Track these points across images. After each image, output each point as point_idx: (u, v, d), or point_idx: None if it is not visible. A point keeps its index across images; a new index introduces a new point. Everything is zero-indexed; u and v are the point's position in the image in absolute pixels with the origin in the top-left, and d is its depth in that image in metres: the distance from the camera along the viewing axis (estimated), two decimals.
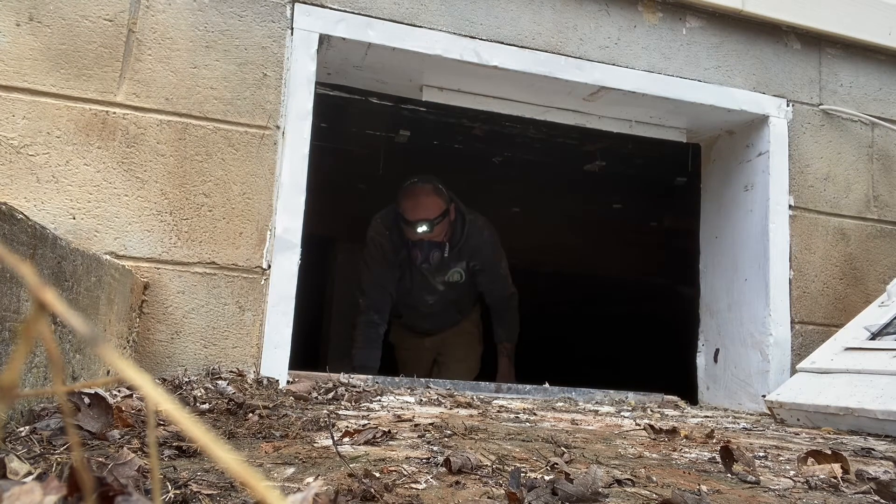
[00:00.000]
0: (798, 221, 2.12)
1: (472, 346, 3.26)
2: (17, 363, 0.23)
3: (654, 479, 0.82)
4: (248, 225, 1.64)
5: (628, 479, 0.79)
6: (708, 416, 1.71)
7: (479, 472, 0.77)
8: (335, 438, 0.92)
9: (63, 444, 0.74)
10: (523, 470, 0.79)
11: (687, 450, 1.07)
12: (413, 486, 0.70)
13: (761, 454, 1.08)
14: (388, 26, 1.79)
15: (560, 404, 1.72)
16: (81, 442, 0.79)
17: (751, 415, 1.84)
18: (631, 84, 1.99)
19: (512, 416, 1.39)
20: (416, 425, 1.11)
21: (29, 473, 0.57)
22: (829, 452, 0.93)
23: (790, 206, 2.11)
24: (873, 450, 1.19)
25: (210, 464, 0.74)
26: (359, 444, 0.92)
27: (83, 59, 1.58)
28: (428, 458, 0.84)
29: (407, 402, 1.48)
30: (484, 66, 1.87)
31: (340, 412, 1.23)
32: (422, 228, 2.68)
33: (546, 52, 1.93)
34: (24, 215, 0.84)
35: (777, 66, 2.16)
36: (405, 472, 0.75)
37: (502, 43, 1.89)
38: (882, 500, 0.78)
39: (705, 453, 1.05)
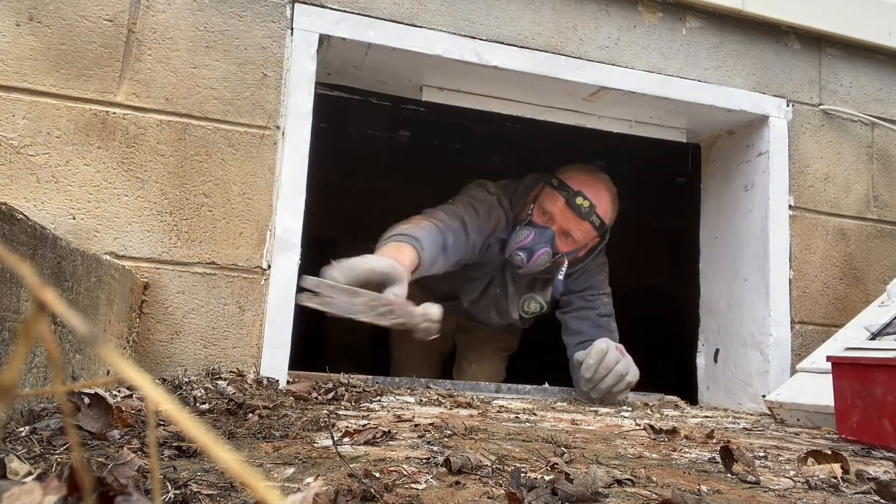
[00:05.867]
0: (798, 221, 2.12)
1: (499, 350, 2.63)
2: (17, 363, 0.23)
3: (654, 479, 0.82)
4: (248, 225, 1.64)
5: (628, 479, 0.79)
6: (708, 416, 1.71)
7: (479, 472, 0.77)
8: (335, 438, 0.92)
9: (63, 444, 0.74)
10: (523, 470, 0.79)
11: (687, 450, 1.07)
12: (413, 486, 0.70)
13: (761, 454, 1.08)
14: (388, 26, 1.79)
15: (560, 404, 1.71)
16: (81, 442, 0.79)
17: (751, 415, 1.84)
18: (631, 84, 1.99)
19: (512, 416, 1.39)
20: (416, 425, 1.11)
21: (29, 473, 0.57)
22: (829, 452, 0.93)
23: (790, 206, 2.11)
24: (873, 450, 1.19)
25: (210, 464, 0.74)
26: (359, 445, 0.92)
27: (83, 60, 1.58)
28: (428, 459, 0.84)
29: (407, 402, 1.48)
30: (484, 66, 1.87)
31: (340, 412, 1.23)
32: (589, 215, 1.98)
33: (546, 52, 1.93)
34: (24, 215, 0.84)
35: (777, 66, 2.17)
36: (405, 473, 0.75)
37: (502, 43, 1.89)
38: (882, 500, 0.78)
39: (705, 453, 1.05)
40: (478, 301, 2.24)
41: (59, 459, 0.63)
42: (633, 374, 1.79)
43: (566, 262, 2.05)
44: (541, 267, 2.02)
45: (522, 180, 2.21)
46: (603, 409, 1.66)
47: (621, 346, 1.85)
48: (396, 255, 1.58)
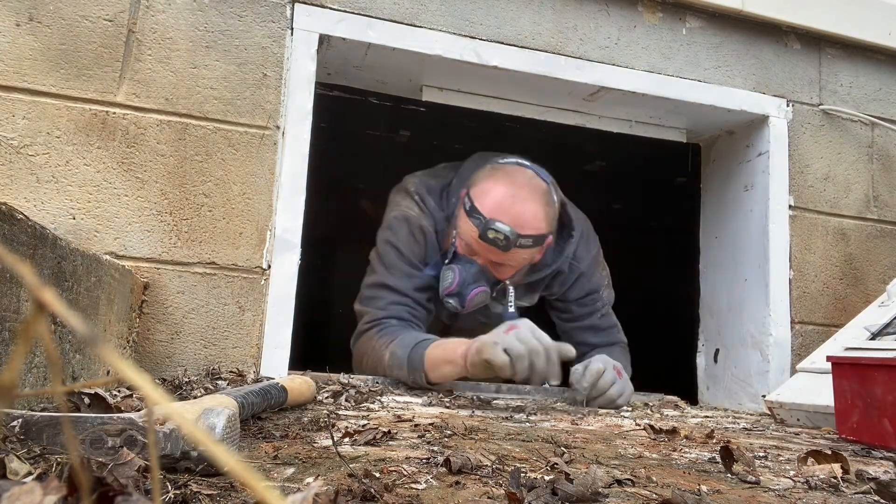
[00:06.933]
0: (798, 221, 2.12)
1: None
2: (17, 363, 0.23)
3: (654, 479, 0.82)
4: (248, 225, 1.64)
5: (628, 479, 0.79)
6: (708, 416, 1.71)
7: (479, 472, 0.77)
8: (335, 439, 0.92)
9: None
10: (523, 470, 0.79)
11: (687, 450, 1.07)
12: (413, 486, 0.70)
13: (761, 454, 1.08)
14: (388, 26, 1.79)
15: (560, 404, 1.71)
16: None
17: (751, 415, 1.84)
18: (631, 84, 1.99)
19: (512, 415, 1.39)
20: (416, 425, 1.11)
21: (29, 473, 0.57)
22: (829, 452, 0.93)
23: (790, 206, 2.11)
24: (873, 450, 1.19)
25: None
26: (359, 445, 0.92)
27: (83, 59, 1.58)
28: (428, 459, 0.84)
29: (407, 402, 1.48)
30: (484, 66, 1.87)
31: (340, 412, 1.23)
32: (512, 244, 1.65)
33: (546, 52, 1.93)
34: (24, 215, 0.84)
35: (777, 66, 2.17)
36: (405, 473, 0.75)
37: (502, 43, 1.89)
38: (882, 500, 0.77)
39: (705, 453, 1.05)
40: (455, 313, 1.98)
41: (59, 459, 0.63)
42: (626, 396, 1.70)
43: (511, 289, 1.77)
44: (483, 304, 1.78)
45: (462, 166, 1.91)
46: (603, 410, 1.66)
47: (619, 366, 1.73)
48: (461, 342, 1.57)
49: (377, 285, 1.79)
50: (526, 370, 1.40)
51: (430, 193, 1.86)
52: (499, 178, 1.73)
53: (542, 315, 2.12)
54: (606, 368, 1.67)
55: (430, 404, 1.47)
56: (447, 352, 1.58)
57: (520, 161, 1.83)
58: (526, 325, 1.48)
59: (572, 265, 1.95)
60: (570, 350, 1.46)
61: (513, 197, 1.68)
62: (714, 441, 1.16)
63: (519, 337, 1.44)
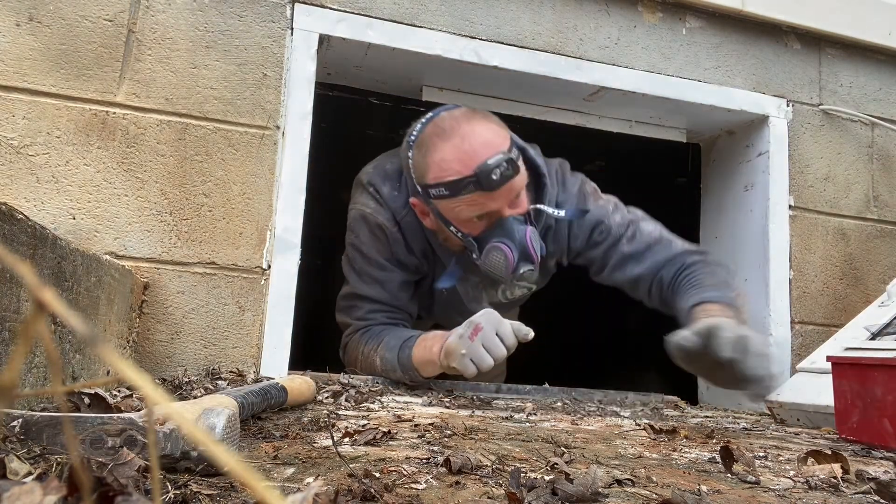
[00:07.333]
0: (798, 221, 2.12)
1: None
2: (17, 363, 0.23)
3: (654, 479, 0.82)
4: (248, 225, 1.64)
5: (628, 479, 0.79)
6: (708, 416, 1.71)
7: (479, 472, 0.77)
8: (335, 439, 0.92)
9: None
10: (523, 470, 0.79)
11: (687, 450, 1.07)
12: (413, 486, 0.70)
13: (761, 454, 1.08)
14: (388, 26, 1.79)
15: (560, 404, 1.71)
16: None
17: (751, 415, 1.84)
18: (631, 84, 1.99)
19: (512, 415, 1.39)
20: (416, 425, 1.11)
21: (29, 473, 0.57)
22: (829, 452, 0.93)
23: (790, 206, 2.11)
24: (873, 450, 1.19)
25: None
26: (359, 445, 0.92)
27: (83, 59, 1.58)
28: (428, 459, 0.84)
29: (407, 402, 1.48)
30: (484, 66, 1.87)
31: (340, 412, 1.23)
32: (498, 170, 1.46)
33: (546, 52, 1.93)
34: (24, 215, 0.84)
35: (777, 66, 2.17)
36: (405, 473, 0.75)
37: (502, 43, 1.89)
38: (882, 500, 0.77)
39: (705, 453, 1.05)
40: (430, 307, 1.90)
41: (59, 459, 0.63)
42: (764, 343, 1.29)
43: (545, 207, 1.64)
44: (537, 238, 1.61)
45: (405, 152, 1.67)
46: (605, 410, 1.66)
47: (736, 306, 1.41)
48: (437, 338, 1.58)
49: (352, 296, 1.78)
50: (491, 371, 1.52)
51: (386, 179, 1.71)
52: (432, 144, 1.55)
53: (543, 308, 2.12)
54: (722, 324, 1.28)
55: (430, 404, 1.47)
56: (426, 351, 1.59)
57: (422, 120, 1.66)
58: (490, 322, 1.47)
59: (558, 217, 1.73)
60: (527, 333, 1.48)
61: (462, 137, 1.51)
62: (714, 441, 1.16)
63: (485, 343, 1.46)
